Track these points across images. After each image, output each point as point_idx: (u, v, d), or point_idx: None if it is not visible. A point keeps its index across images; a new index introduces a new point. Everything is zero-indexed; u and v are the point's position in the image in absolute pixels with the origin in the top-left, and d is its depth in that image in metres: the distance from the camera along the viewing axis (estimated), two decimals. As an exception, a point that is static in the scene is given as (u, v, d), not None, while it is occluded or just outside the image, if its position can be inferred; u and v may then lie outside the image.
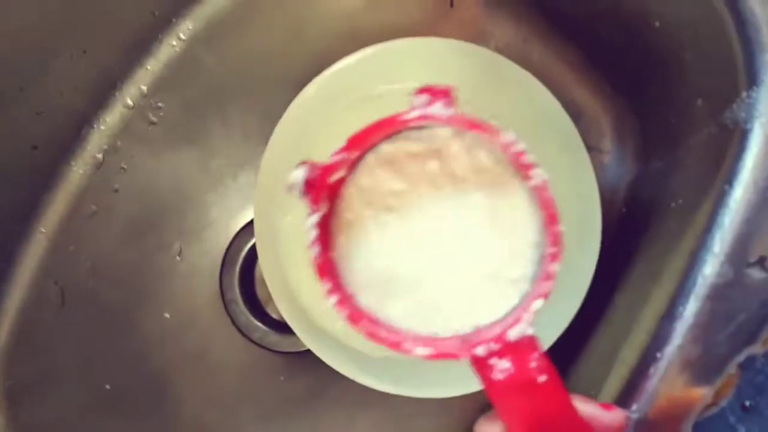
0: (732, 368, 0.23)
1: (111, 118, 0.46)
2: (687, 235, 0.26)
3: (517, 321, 0.22)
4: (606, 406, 0.23)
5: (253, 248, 0.45)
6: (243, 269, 0.45)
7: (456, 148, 0.23)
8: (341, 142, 0.23)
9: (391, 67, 0.38)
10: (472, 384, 0.36)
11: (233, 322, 0.44)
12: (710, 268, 0.24)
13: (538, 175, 0.22)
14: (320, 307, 0.39)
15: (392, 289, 0.23)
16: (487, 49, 0.39)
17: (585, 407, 0.22)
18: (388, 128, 0.23)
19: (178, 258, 0.46)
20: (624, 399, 0.25)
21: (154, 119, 0.46)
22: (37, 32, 0.40)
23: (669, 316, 0.25)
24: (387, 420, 0.44)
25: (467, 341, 0.22)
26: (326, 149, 0.24)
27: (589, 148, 0.42)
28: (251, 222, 0.45)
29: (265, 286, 0.40)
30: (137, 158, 0.46)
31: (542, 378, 0.21)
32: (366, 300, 0.23)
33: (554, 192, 0.22)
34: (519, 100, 0.37)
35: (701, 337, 0.24)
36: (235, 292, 0.45)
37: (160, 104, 0.46)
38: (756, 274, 0.24)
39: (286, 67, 0.45)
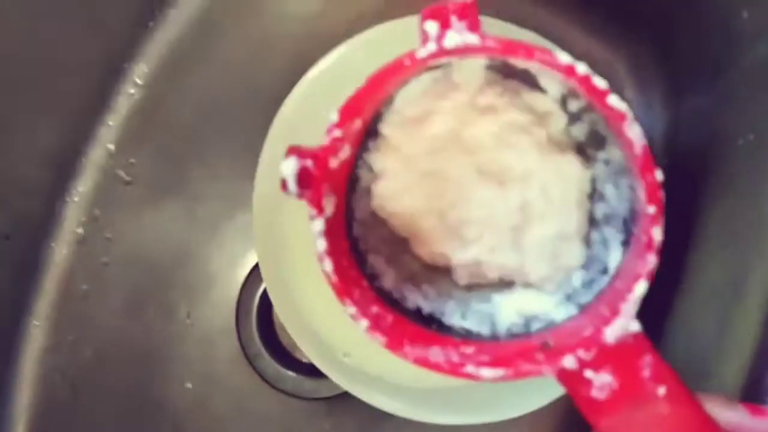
0: None
1: (83, 187, 0.44)
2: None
3: (613, 315, 0.17)
4: (755, 410, 0.18)
5: (266, 293, 0.41)
6: (260, 318, 0.43)
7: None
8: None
9: (368, 59, 0.36)
10: (533, 402, 0.33)
11: (262, 377, 0.42)
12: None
13: (617, 103, 0.17)
14: (349, 345, 0.37)
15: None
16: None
17: (726, 414, 0.17)
18: (391, 80, 0.18)
19: (187, 321, 0.44)
20: (749, 394, 0.20)
21: (128, 178, 0.45)
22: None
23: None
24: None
25: (548, 351, 0.17)
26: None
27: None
28: (258, 265, 0.42)
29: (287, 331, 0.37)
30: (119, 224, 0.45)
31: (661, 390, 0.16)
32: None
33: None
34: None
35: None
36: (257, 345, 0.42)
37: (131, 160, 0.45)
38: None
39: (255, 89, 0.44)
